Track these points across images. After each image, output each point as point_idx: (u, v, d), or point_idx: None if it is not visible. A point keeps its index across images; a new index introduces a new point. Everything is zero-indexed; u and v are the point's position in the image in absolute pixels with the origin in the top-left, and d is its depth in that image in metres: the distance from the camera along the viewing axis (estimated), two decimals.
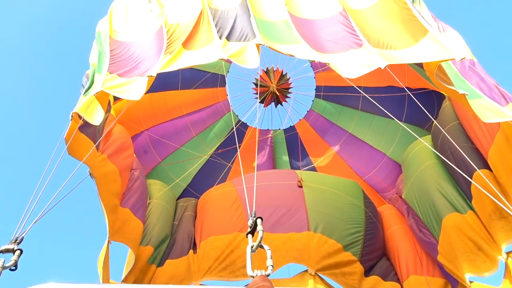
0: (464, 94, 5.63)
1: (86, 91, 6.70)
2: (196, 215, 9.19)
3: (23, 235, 3.27)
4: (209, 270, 7.60)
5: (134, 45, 7.57)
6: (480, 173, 5.89)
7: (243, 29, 7.17)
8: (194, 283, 7.56)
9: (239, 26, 7.30)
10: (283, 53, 6.81)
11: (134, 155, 9.54)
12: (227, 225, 7.99)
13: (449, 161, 6.88)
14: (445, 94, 8.52)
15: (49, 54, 22.99)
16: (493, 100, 5.88)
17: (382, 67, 5.94)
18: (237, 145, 8.78)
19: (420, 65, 6.72)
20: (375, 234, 8.36)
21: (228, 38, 6.98)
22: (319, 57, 6.49)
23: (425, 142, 7.10)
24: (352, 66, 6.37)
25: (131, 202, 7.80)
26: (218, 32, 7.10)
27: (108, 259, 6.50)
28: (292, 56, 6.74)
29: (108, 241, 6.68)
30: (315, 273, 7.51)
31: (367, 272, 7.91)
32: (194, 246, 8.21)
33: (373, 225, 8.39)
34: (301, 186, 8.62)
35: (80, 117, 6.05)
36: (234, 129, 11.33)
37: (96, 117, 6.42)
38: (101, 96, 6.42)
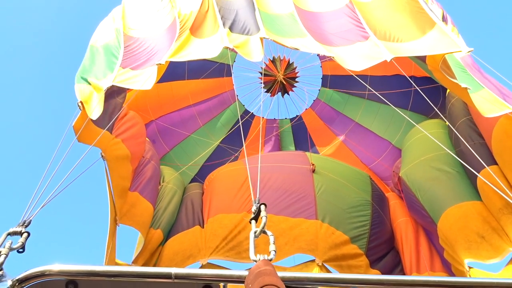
0: (466, 88, 5.59)
1: (83, 73, 6.73)
2: (203, 192, 9.15)
3: (31, 218, 3.41)
4: (217, 249, 7.57)
5: (148, 40, 7.64)
6: (489, 169, 5.88)
7: (246, 22, 7.16)
8: (201, 261, 7.56)
9: (242, 18, 7.29)
10: (288, 47, 6.82)
11: (148, 139, 9.69)
12: (236, 204, 7.93)
13: (460, 158, 6.89)
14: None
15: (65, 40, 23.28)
16: (495, 92, 5.84)
17: (388, 60, 5.92)
18: (241, 132, 8.78)
19: (422, 59, 6.66)
20: (381, 228, 8.32)
21: (231, 29, 6.99)
22: (323, 51, 6.46)
23: (425, 132, 7.05)
24: (357, 59, 6.35)
25: (140, 185, 7.87)
26: (222, 20, 7.13)
27: (115, 240, 6.66)
28: (297, 49, 6.75)
29: (116, 223, 6.81)
30: (322, 264, 7.53)
31: (374, 264, 7.87)
32: (200, 221, 8.17)
33: (379, 219, 8.36)
34: (314, 171, 8.52)
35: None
36: (240, 120, 11.36)
37: (94, 111, 6.35)
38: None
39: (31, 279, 2.36)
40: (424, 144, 8.20)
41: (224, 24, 7.05)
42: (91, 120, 6.17)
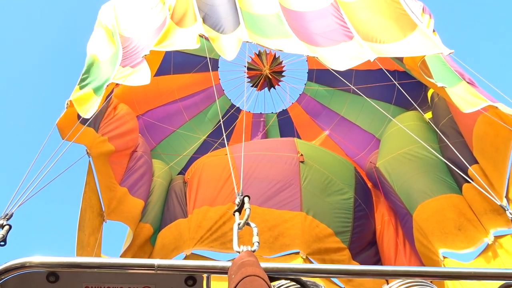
0: (442, 87, 5.73)
1: (82, 81, 6.77)
2: (186, 182, 9.08)
3: (13, 211, 3.38)
4: (201, 239, 7.58)
5: (144, 39, 7.63)
6: (472, 170, 5.99)
7: (224, 19, 7.13)
8: (185, 251, 7.56)
9: (221, 15, 7.27)
10: (271, 49, 6.84)
11: (140, 135, 9.63)
12: (222, 196, 7.93)
13: (442, 153, 7.06)
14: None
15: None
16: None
17: (372, 60, 6.04)
18: (221, 124, 8.74)
19: (400, 58, 6.79)
20: (364, 221, 8.41)
21: (204, 21, 6.93)
22: (308, 51, 6.50)
23: (401, 125, 7.18)
24: (341, 58, 6.45)
25: (130, 181, 7.83)
26: (200, 13, 7.08)
27: (101, 237, 6.62)
28: (281, 50, 6.78)
29: (103, 219, 6.76)
30: (306, 257, 7.60)
31: (355, 257, 7.95)
32: (184, 212, 8.14)
33: (362, 213, 8.45)
34: (302, 161, 8.50)
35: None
36: (220, 113, 11.33)
37: (90, 110, 6.44)
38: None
39: (10, 271, 2.31)
40: (402, 136, 8.30)
41: (201, 17, 7.02)
42: (77, 118, 6.16)
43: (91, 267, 2.45)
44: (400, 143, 8.16)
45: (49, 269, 2.39)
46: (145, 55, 6.24)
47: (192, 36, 6.57)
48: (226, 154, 8.42)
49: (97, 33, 8.58)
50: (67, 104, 6.12)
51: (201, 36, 6.38)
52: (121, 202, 7.40)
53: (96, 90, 6.61)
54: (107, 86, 6.40)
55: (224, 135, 6.46)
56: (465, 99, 5.84)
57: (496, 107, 5.49)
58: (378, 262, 8.21)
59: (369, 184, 9.39)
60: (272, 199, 7.82)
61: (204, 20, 6.92)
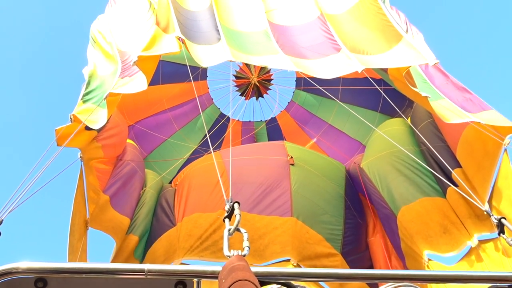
0: (426, 96, 5.87)
1: (85, 96, 6.81)
2: (175, 188, 8.99)
3: (3, 218, 3.33)
4: (191, 249, 7.52)
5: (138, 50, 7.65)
6: (454, 174, 6.13)
7: (205, 33, 7.13)
8: (175, 262, 7.48)
9: (203, 30, 7.27)
10: (256, 64, 6.84)
11: (133, 143, 9.56)
12: (212, 202, 7.85)
13: (423, 157, 7.22)
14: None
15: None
16: (456, 102, 6.12)
17: (359, 71, 6.15)
18: (206, 131, 8.70)
19: (384, 69, 6.93)
20: (355, 224, 8.41)
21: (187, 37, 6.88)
22: (292, 67, 6.58)
23: (382, 133, 7.41)
24: (329, 68, 6.55)
25: (112, 190, 7.73)
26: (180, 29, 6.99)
27: (85, 243, 6.53)
28: (265, 66, 6.83)
29: (86, 226, 6.67)
30: (297, 264, 7.56)
31: (350, 261, 7.92)
32: (173, 222, 8.03)
33: (352, 214, 8.46)
34: (293, 164, 8.46)
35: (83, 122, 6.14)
36: (204, 120, 11.27)
37: (99, 121, 6.53)
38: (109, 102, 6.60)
39: None
40: (386, 139, 8.40)
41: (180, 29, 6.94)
42: (74, 123, 6.14)
43: (80, 272, 2.42)
44: (385, 145, 8.25)
45: (37, 275, 2.35)
46: (134, 61, 6.25)
47: (173, 40, 6.58)
48: (219, 160, 8.45)
49: (94, 49, 8.59)
50: (71, 118, 6.10)
51: (178, 38, 6.36)
52: (101, 211, 7.31)
53: (102, 105, 6.64)
54: (106, 97, 6.42)
55: (212, 148, 6.42)
56: (450, 109, 5.99)
57: (479, 122, 5.62)
58: (372, 266, 8.22)
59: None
60: (262, 203, 7.78)
61: (184, 33, 6.89)
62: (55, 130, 5.93)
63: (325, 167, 9.00)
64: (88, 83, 7.30)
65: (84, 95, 6.85)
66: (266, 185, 8.05)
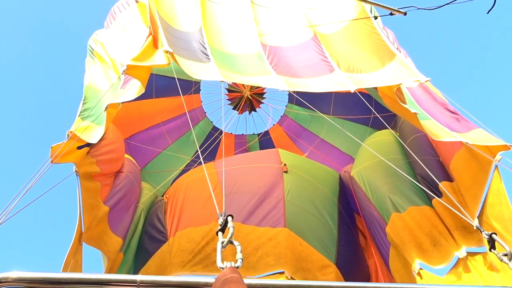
0: (415, 113, 6.01)
1: (83, 112, 6.83)
2: (165, 201, 8.82)
3: None
4: (182, 263, 7.40)
5: None
6: (441, 186, 6.18)
7: (196, 52, 7.15)
8: None
9: (195, 49, 7.29)
10: (247, 84, 6.84)
11: (129, 157, 9.49)
12: (205, 215, 7.72)
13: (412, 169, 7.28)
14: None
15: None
16: (443, 123, 6.25)
17: (352, 91, 6.21)
18: (197, 144, 8.66)
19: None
20: (349, 233, 8.38)
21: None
22: (284, 87, 6.64)
23: (370, 148, 7.50)
24: (321, 84, 6.64)
25: (111, 202, 7.59)
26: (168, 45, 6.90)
27: (81, 257, 6.43)
28: (258, 85, 6.87)
29: (80, 241, 6.56)
30: (291, 277, 7.47)
31: (345, 272, 7.75)
32: (165, 237, 7.92)
33: (345, 223, 8.41)
34: (286, 171, 8.38)
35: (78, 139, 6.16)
36: (193, 132, 11.28)
37: (94, 137, 6.57)
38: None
39: None
40: (376, 148, 8.44)
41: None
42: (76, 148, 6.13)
43: (70, 282, 2.40)
44: (374, 154, 8.30)
45: (27, 285, 2.34)
46: (124, 70, 6.24)
47: (161, 54, 6.58)
48: (213, 170, 8.40)
49: (93, 63, 8.62)
50: (68, 135, 6.07)
51: (166, 52, 6.32)
52: (98, 226, 7.19)
53: (98, 121, 6.66)
54: (106, 108, 6.47)
55: (202, 160, 6.37)
56: (440, 127, 6.11)
57: (467, 143, 5.73)
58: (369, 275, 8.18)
59: None
60: (255, 214, 7.70)
61: (173, 48, 6.74)
62: (51, 147, 5.86)
63: (319, 173, 8.97)
64: (85, 98, 7.29)
65: (82, 112, 6.84)
66: (259, 194, 7.98)
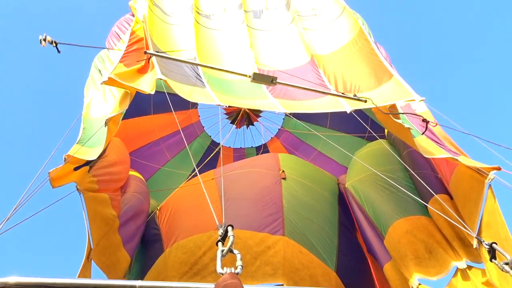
0: (409, 128, 6.15)
1: (81, 141, 6.81)
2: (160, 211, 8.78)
3: None
4: (179, 275, 7.32)
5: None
6: (438, 198, 6.23)
7: (191, 78, 7.12)
8: None
9: (190, 75, 7.26)
10: (244, 107, 6.85)
11: (140, 176, 9.43)
12: (203, 223, 7.66)
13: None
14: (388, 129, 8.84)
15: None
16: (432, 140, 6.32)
17: (348, 112, 6.27)
18: (191, 158, 8.57)
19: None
20: (350, 239, 8.35)
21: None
22: (281, 109, 6.68)
23: (362, 162, 7.53)
24: (317, 105, 6.73)
25: (123, 219, 7.51)
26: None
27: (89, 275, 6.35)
28: (255, 108, 6.86)
29: (88, 256, 6.44)
30: None
31: (345, 280, 7.75)
32: (161, 250, 7.87)
33: (346, 228, 8.40)
34: (284, 178, 8.35)
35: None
36: (186, 143, 11.25)
37: (92, 154, 6.53)
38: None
39: None
40: (369, 159, 8.50)
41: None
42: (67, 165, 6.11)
43: None
44: (370, 164, 8.30)
45: None
46: (104, 81, 6.14)
47: (149, 80, 6.45)
48: (206, 180, 8.32)
49: (93, 88, 8.56)
50: (65, 159, 5.98)
51: (159, 79, 6.15)
52: (111, 235, 7.08)
53: (97, 144, 6.62)
54: (106, 124, 6.42)
55: (197, 170, 6.38)
56: (432, 144, 6.21)
57: (457, 159, 5.79)
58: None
59: None
60: (254, 220, 7.67)
61: (165, 74, 6.60)
62: (48, 172, 5.76)
63: (318, 177, 8.96)
64: (84, 129, 7.23)
65: (80, 140, 6.83)
66: (258, 201, 7.96)
